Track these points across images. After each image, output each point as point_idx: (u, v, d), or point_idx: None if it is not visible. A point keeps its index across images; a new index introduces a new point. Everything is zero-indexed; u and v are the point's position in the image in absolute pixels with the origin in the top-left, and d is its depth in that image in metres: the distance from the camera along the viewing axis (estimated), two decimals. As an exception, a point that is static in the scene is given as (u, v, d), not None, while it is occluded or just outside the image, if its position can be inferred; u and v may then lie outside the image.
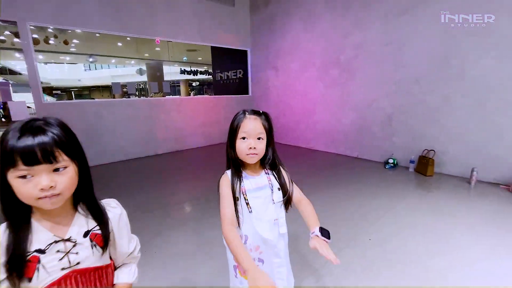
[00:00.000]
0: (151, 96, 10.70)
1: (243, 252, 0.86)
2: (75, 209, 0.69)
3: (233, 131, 0.97)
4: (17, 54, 11.89)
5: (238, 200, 1.00)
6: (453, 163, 3.77)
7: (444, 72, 3.68)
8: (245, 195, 1.00)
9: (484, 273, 1.77)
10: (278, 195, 1.05)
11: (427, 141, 3.97)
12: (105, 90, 26.31)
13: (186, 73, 15.95)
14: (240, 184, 1.00)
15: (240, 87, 7.32)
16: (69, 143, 0.62)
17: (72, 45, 10.58)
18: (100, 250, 0.69)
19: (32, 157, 0.56)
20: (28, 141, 0.56)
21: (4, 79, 16.12)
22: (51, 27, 6.21)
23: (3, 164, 0.56)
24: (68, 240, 0.65)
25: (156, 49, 11.35)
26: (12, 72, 17.29)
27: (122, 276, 0.77)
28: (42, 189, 0.57)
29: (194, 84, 22.72)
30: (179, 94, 20.76)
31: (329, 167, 4.40)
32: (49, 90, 17.48)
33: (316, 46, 5.28)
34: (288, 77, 6.01)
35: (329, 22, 4.96)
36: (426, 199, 3.04)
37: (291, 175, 1.16)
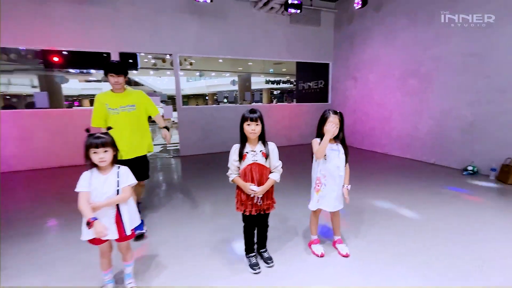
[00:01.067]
0: (240, 104, 12.61)
1: None
2: (258, 142, 1.85)
3: (323, 120, 1.97)
4: (151, 72, 16.06)
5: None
6: (542, 173, 3.67)
7: (533, 82, 3.69)
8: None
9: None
10: (342, 155, 1.98)
11: (511, 149, 3.96)
12: (199, 98, 31.21)
13: (270, 82, 17.82)
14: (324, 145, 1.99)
15: (320, 95, 8.20)
16: (262, 117, 1.79)
17: (186, 63, 13.63)
18: (264, 159, 1.83)
19: (252, 119, 1.75)
20: (252, 114, 1.75)
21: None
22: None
23: (244, 121, 1.78)
24: (255, 151, 1.82)
25: (249, 63, 13.35)
26: (136, 84, 22.97)
27: (273, 176, 1.88)
28: (252, 129, 1.75)
29: (275, 92, 24.61)
30: (261, 102, 22.94)
31: (403, 171, 4.75)
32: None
33: (395, 59, 5.71)
34: (366, 87, 6.56)
35: (410, 37, 5.35)
36: (496, 203, 3.25)
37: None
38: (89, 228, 1.46)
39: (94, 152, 1.48)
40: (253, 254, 1.99)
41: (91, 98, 27.26)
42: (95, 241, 1.56)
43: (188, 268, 1.98)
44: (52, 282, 1.85)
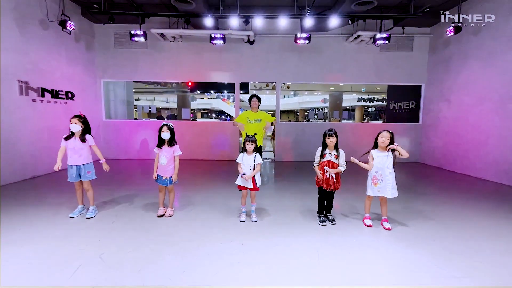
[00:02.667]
0: (329, 121, 13.48)
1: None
2: (334, 148, 3.07)
3: (378, 134, 3.00)
4: (253, 92, 19.13)
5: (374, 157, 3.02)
6: None
7: None
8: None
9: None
10: (390, 159, 2.95)
11: None
12: (291, 113, 33.31)
13: (363, 100, 17.81)
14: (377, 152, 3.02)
15: (411, 116, 8.31)
16: (336, 132, 3.04)
17: (284, 86, 15.63)
18: (335, 159, 3.03)
19: (330, 135, 3.01)
20: (330, 132, 3.02)
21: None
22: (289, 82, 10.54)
23: (325, 136, 3.05)
24: (331, 153, 3.04)
25: (340, 84, 14.18)
26: (241, 100, 26.96)
27: (341, 167, 3.05)
28: (330, 141, 3.01)
29: (369, 109, 23.87)
30: (353, 119, 22.74)
31: (500, 200, 4.47)
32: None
33: (494, 82, 5.62)
34: (460, 110, 6.49)
35: None
36: None
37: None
38: (241, 178, 3.09)
39: (247, 144, 3.10)
40: (322, 214, 3.20)
41: (203, 111, 33.92)
42: (241, 188, 3.18)
43: (282, 217, 3.39)
44: (213, 212, 3.60)
